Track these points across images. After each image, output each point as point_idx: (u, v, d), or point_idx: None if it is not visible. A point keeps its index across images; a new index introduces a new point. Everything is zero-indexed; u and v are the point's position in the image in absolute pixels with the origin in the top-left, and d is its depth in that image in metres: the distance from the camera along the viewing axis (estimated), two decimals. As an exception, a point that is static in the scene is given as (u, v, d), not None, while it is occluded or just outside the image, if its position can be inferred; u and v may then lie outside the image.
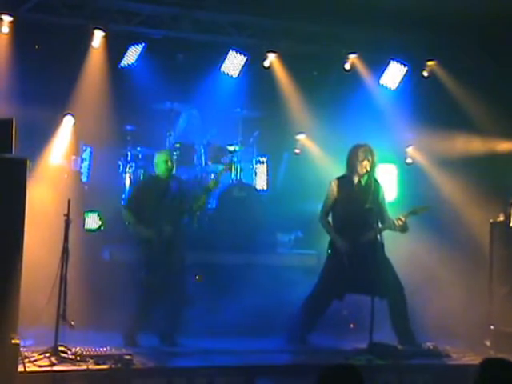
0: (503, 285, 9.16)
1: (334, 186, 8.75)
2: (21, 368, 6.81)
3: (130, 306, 8.66)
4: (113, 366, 7.25)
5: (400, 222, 8.47)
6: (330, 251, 8.70)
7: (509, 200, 9.32)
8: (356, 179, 8.72)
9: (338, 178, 8.81)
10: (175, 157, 10.77)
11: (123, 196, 10.76)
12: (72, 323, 7.58)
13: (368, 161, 8.59)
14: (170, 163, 8.76)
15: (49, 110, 10.14)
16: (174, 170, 9.05)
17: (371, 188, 8.67)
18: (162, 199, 8.66)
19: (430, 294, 9.58)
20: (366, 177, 8.67)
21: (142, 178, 10.81)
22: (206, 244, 10.28)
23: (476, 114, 10.60)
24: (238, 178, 11.14)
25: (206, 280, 9.82)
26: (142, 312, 8.62)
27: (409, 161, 11.56)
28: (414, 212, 8.57)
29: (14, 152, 7.01)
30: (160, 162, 8.74)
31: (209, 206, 10.99)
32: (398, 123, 11.09)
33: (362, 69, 11.36)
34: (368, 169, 8.60)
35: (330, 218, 8.81)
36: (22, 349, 6.94)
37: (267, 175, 11.97)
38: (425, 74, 11.38)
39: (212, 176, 10.57)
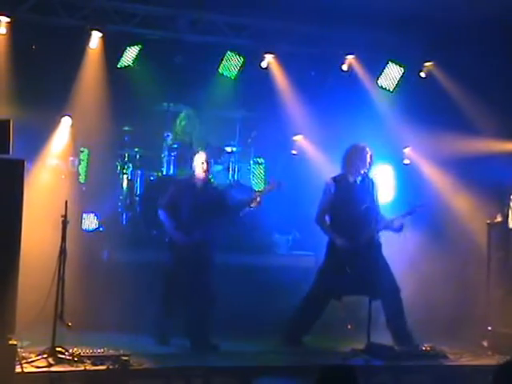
0: (501, 285, 9.17)
1: (331, 186, 8.74)
2: (18, 369, 6.82)
3: (130, 307, 8.75)
4: (110, 366, 7.25)
5: (396, 223, 8.49)
6: (329, 252, 8.69)
7: (506, 201, 9.32)
8: (352, 179, 8.72)
9: (334, 178, 8.80)
10: (172, 157, 10.78)
11: (121, 197, 10.77)
12: (69, 324, 7.58)
13: (369, 162, 8.62)
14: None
15: (46, 111, 10.13)
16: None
17: (368, 187, 8.68)
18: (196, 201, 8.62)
19: (427, 294, 9.58)
20: (361, 176, 8.68)
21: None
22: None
23: (473, 114, 10.58)
24: (236, 178, 11.13)
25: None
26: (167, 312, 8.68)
27: (406, 162, 11.54)
28: (410, 212, 8.58)
29: (11, 153, 7.02)
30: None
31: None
32: (395, 124, 11.06)
33: (359, 69, 11.35)
34: (367, 169, 8.63)
35: (326, 218, 8.80)
36: (19, 350, 6.94)
37: (264, 176, 11.98)
38: (422, 74, 11.37)
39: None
